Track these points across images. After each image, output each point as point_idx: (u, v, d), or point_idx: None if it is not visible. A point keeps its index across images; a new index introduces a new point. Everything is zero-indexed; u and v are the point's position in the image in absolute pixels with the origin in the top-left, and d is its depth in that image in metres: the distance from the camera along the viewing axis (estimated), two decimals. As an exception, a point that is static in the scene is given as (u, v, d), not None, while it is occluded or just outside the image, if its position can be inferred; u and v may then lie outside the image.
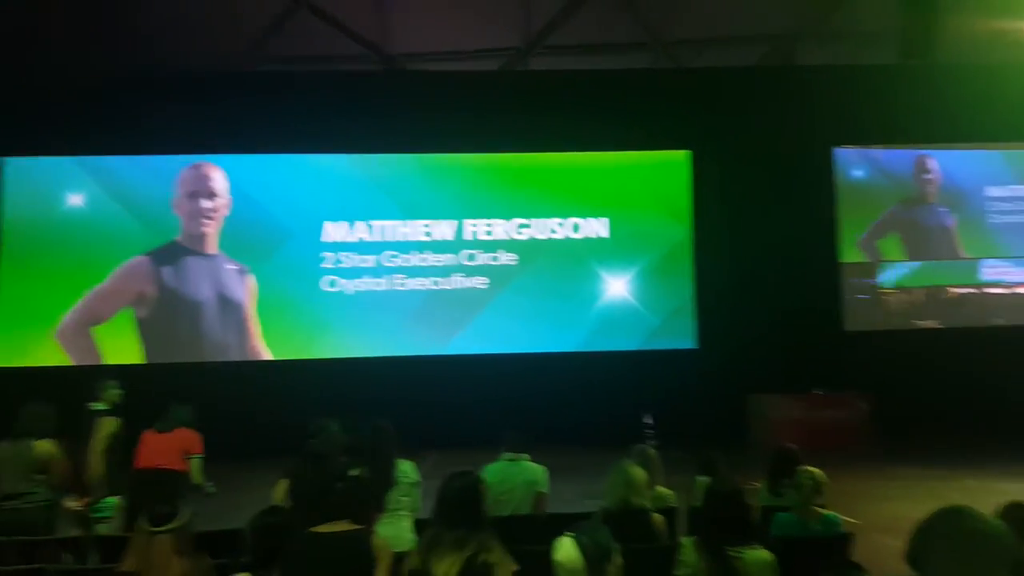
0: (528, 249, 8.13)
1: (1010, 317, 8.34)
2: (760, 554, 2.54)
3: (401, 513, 3.25)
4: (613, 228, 8.23)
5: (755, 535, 2.78)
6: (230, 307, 7.77)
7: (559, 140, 8.00)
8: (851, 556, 3.04)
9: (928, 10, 7.79)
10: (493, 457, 3.73)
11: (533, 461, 3.94)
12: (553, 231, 8.19)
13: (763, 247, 7.99)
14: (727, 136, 8.13)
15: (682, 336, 8.22)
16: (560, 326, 8.06)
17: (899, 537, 2.41)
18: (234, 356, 7.71)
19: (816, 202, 8.34)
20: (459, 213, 8.09)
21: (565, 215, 8.18)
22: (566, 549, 2.37)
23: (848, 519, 3.16)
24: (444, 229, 8.06)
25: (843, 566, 2.81)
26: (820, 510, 3.10)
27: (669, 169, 8.33)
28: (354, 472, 2.88)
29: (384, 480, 3.27)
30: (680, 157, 8.32)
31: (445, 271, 8.04)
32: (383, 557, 2.44)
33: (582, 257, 8.20)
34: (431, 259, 8.03)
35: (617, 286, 8.20)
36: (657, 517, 3.65)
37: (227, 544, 2.87)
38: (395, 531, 3.13)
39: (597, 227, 8.24)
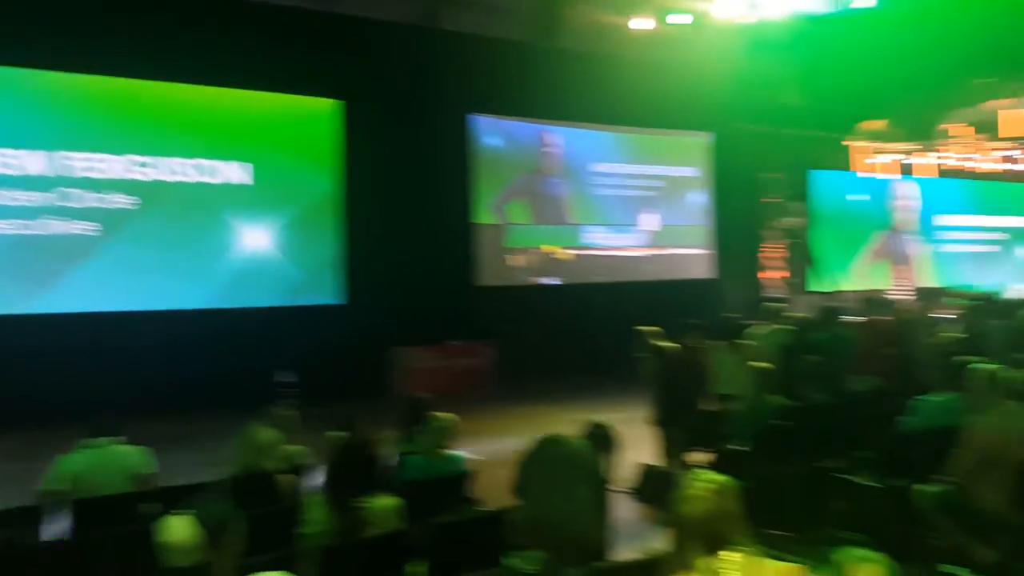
0: (152, 192, 7.12)
1: (608, 275, 9.78)
2: (385, 501, 2.58)
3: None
4: (256, 175, 7.63)
5: (383, 484, 2.79)
6: None
7: (193, 71, 7.09)
8: (470, 491, 3.23)
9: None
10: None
11: (130, 443, 3.50)
12: (185, 173, 7.29)
13: (408, 204, 8.15)
14: (377, 90, 8.07)
15: (329, 291, 8.04)
16: (189, 280, 7.27)
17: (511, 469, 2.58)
18: None
19: (455, 165, 8.75)
20: (52, 143, 6.71)
21: (198, 156, 7.33)
22: (177, 528, 2.12)
23: (473, 457, 3.34)
24: (34, 161, 6.64)
25: (459, 501, 3.04)
26: (446, 452, 3.23)
27: (319, 118, 8.00)
28: None
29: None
30: (330, 106, 8.02)
31: (35, 212, 6.65)
32: None
33: (219, 205, 7.47)
34: (21, 197, 6.60)
35: (259, 238, 7.67)
36: (284, 478, 3.50)
37: None
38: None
39: (239, 172, 7.56)
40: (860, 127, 11.97)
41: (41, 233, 6.68)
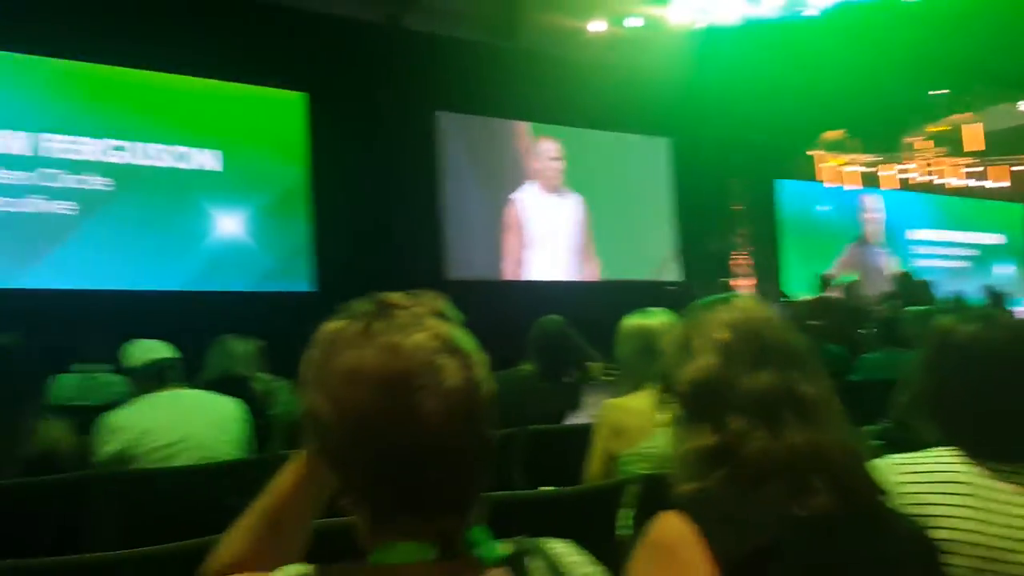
0: (126, 175, 7.53)
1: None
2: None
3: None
4: (226, 162, 8.03)
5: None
6: None
7: (165, 59, 7.58)
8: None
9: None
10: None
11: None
12: (158, 157, 7.69)
13: (376, 196, 8.51)
14: (343, 84, 8.50)
15: (299, 278, 8.35)
16: (162, 262, 7.62)
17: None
18: None
19: (421, 160, 9.14)
20: (35, 125, 7.13)
21: (170, 142, 7.74)
22: None
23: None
24: (15, 142, 7.04)
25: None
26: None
27: (285, 108, 8.46)
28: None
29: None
30: (296, 98, 8.47)
31: (18, 191, 7.02)
32: None
33: (190, 190, 7.90)
34: (4, 176, 6.97)
35: (229, 224, 8.03)
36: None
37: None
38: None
39: (209, 159, 7.95)
40: (823, 137, 12.35)
41: (21, 211, 7.02)
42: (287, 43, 8.06)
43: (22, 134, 7.10)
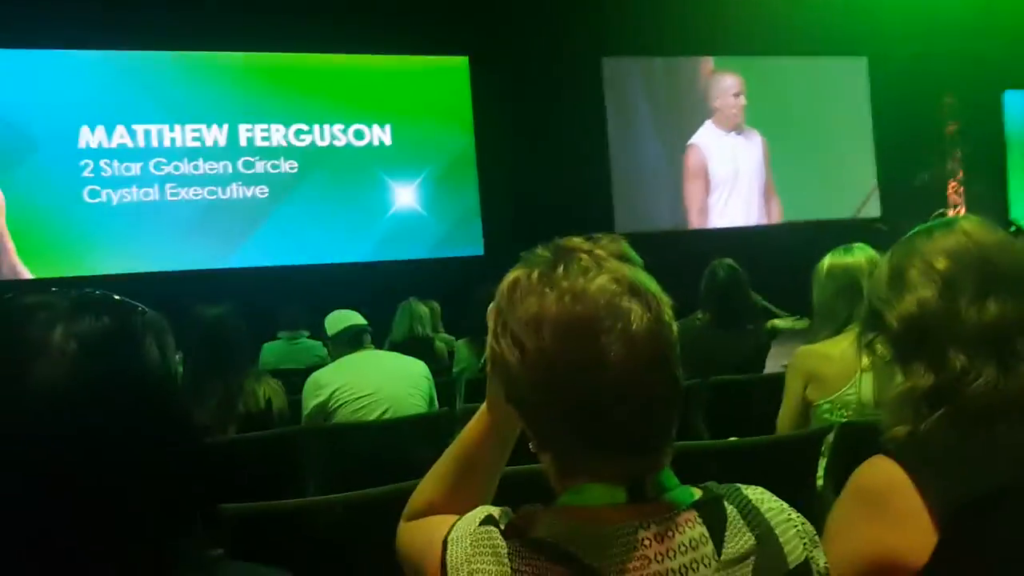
0: (309, 156, 8.00)
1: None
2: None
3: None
4: (395, 136, 8.26)
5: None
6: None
7: (332, 41, 7.90)
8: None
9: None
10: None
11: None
12: (335, 138, 8.08)
13: (545, 153, 8.37)
14: (502, 44, 8.39)
15: (469, 243, 8.47)
16: (346, 236, 8.08)
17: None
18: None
19: (589, 110, 8.82)
20: (231, 117, 7.80)
21: (347, 121, 8.11)
22: None
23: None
24: (216, 134, 7.69)
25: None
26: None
27: (448, 75, 8.54)
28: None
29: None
30: (458, 63, 8.47)
31: (222, 179, 7.68)
32: None
33: (366, 165, 8.26)
34: (204, 167, 7.64)
35: (403, 195, 8.29)
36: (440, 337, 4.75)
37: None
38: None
39: (380, 134, 8.22)
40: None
41: (224, 198, 7.68)
42: (443, 7, 8.06)
43: (224, 127, 7.74)
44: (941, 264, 0.98)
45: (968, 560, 0.85)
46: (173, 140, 7.60)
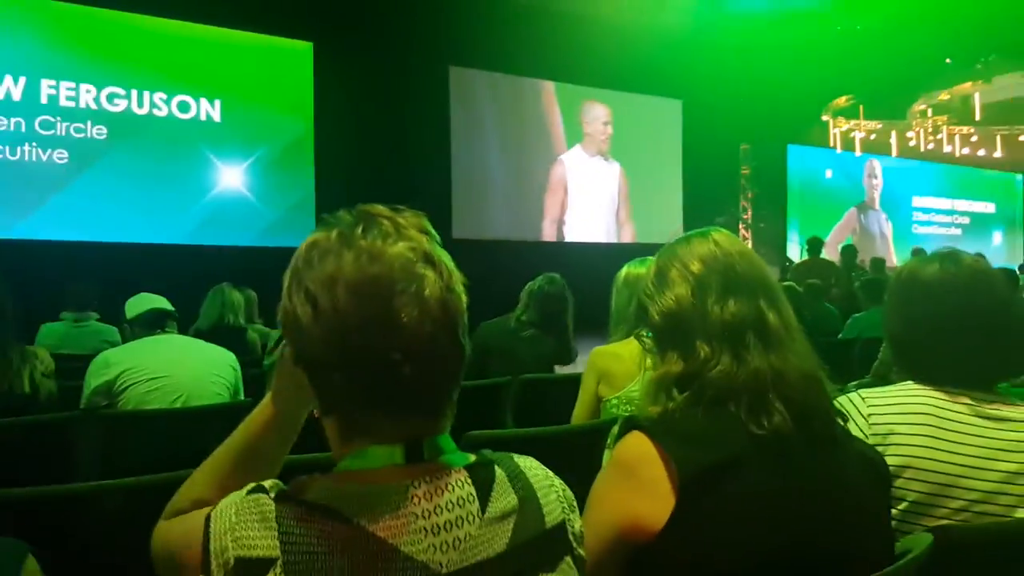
0: (122, 123, 7.18)
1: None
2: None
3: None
4: (225, 112, 7.68)
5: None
6: None
7: (167, 3, 7.17)
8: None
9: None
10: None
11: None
12: (156, 107, 7.33)
13: (385, 150, 8.22)
14: (350, 36, 8.15)
15: (300, 232, 8.03)
16: (160, 215, 7.37)
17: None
18: None
19: (432, 116, 8.81)
20: (31, 69, 6.82)
21: (171, 91, 7.39)
22: None
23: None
24: (10, 86, 6.73)
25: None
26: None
27: (290, 58, 8.12)
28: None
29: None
30: (302, 47, 8.09)
31: (12, 138, 6.68)
32: None
33: (189, 140, 7.58)
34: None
35: (229, 175, 7.74)
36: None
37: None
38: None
39: (208, 108, 7.60)
40: (833, 104, 12.10)
41: (13, 160, 6.68)
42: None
43: (20, 79, 6.71)
44: (695, 267, 1.11)
45: (698, 521, 0.94)
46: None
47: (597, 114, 10.23)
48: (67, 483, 2.10)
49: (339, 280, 0.77)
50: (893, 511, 1.20)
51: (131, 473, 1.65)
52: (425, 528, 0.75)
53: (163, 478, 1.56)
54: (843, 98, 12.08)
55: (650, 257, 2.44)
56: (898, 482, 1.22)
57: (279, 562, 0.71)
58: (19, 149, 6.75)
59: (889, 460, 1.17)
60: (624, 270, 2.44)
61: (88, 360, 2.72)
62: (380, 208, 0.83)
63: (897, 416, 1.27)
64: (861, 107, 12.43)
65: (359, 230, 0.79)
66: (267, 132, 7.97)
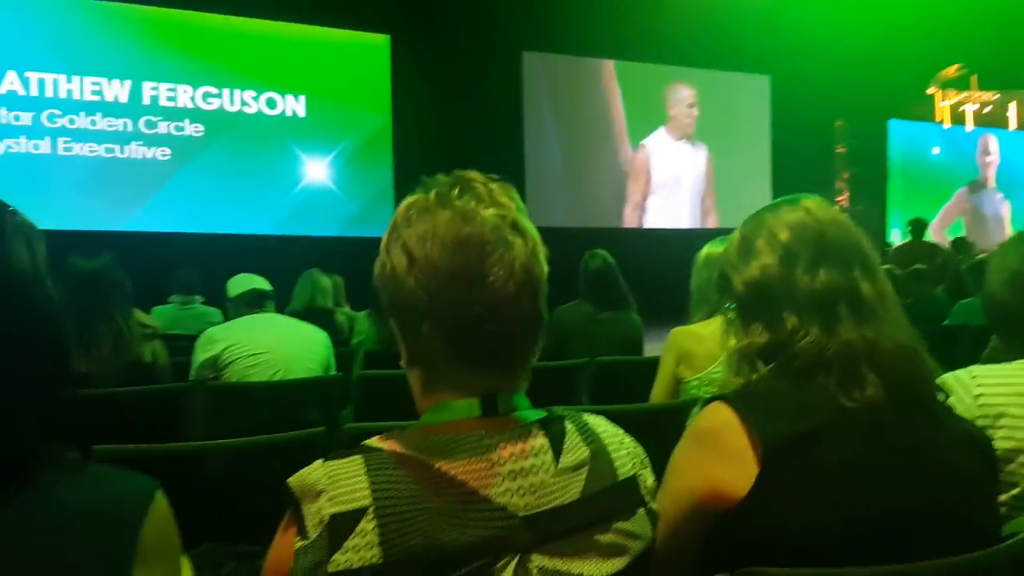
0: (216, 121, 7.67)
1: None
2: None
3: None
4: (310, 108, 8.04)
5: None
6: None
7: (250, 4, 7.61)
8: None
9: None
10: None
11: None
12: (246, 104, 7.77)
13: (461, 139, 8.34)
14: (426, 26, 8.32)
15: (381, 223, 8.30)
16: (252, 207, 7.80)
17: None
18: None
19: (506, 103, 8.86)
20: (135, 73, 7.38)
21: (259, 88, 7.83)
22: None
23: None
24: (118, 89, 7.25)
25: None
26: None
27: (369, 52, 8.39)
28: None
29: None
30: (379, 41, 8.34)
31: (120, 137, 7.25)
32: None
33: (277, 135, 7.99)
34: (102, 123, 7.20)
35: (314, 169, 8.09)
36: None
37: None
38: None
39: (293, 105, 7.97)
40: (941, 75, 11.25)
41: (122, 157, 7.25)
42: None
43: (126, 82, 7.29)
44: (784, 236, 1.07)
45: (782, 490, 0.93)
46: (70, 92, 7.11)
47: (682, 96, 9.98)
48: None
49: (434, 236, 0.82)
50: (1003, 496, 1.14)
51: (236, 436, 1.82)
52: (502, 474, 0.79)
53: (264, 439, 1.71)
54: (952, 68, 11.25)
55: (728, 237, 2.40)
56: (1010, 467, 1.16)
57: (371, 508, 0.75)
58: (127, 148, 7.36)
59: (999, 444, 1.13)
60: (704, 250, 2.40)
61: (194, 339, 2.96)
62: (475, 174, 0.88)
63: (1010, 398, 1.21)
64: (974, 77, 11.55)
65: (455, 191, 0.84)
66: (349, 126, 8.31)
